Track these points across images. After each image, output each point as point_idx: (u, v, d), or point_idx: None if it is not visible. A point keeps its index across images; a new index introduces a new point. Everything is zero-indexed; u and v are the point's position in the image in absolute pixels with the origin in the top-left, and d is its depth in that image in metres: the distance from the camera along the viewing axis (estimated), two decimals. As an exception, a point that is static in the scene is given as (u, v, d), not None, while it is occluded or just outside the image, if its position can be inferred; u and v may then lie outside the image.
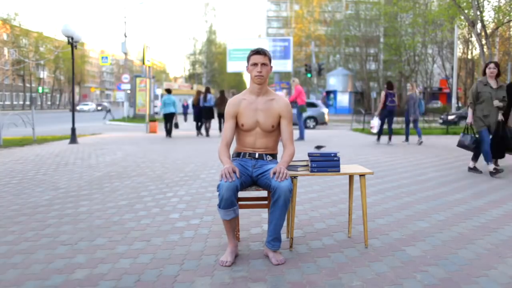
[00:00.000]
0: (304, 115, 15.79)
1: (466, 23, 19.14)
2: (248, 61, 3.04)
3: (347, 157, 8.30)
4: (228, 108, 3.08)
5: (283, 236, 3.25)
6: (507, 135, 6.24)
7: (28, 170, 6.79)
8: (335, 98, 42.85)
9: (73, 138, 11.56)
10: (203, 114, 14.13)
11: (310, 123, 20.16)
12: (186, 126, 20.42)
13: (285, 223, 3.21)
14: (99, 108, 58.24)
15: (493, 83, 6.22)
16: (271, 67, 3.06)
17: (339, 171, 3.06)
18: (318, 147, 3.57)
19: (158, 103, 29.33)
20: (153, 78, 29.98)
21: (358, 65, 43.99)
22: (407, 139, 11.58)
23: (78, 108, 52.44)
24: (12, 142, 11.26)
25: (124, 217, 3.96)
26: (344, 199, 4.65)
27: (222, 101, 14.00)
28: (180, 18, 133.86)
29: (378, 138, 11.42)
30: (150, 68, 21.96)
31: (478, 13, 17.88)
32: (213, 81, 62.79)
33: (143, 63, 20.23)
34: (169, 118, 13.75)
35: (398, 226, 3.65)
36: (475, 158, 6.56)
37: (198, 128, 14.36)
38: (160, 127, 18.17)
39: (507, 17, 19.45)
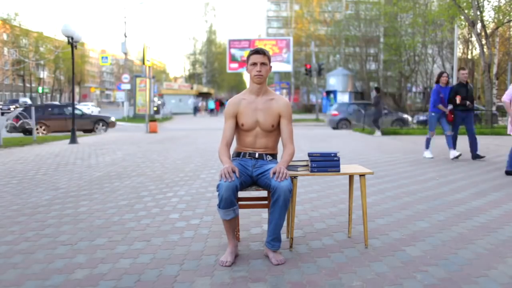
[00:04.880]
0: None
1: (466, 23, 19.13)
2: (247, 61, 3.04)
3: (347, 157, 8.29)
4: (228, 108, 3.08)
5: (283, 236, 3.24)
6: None
7: (28, 170, 6.79)
8: (335, 98, 42.84)
9: (73, 138, 11.56)
10: None
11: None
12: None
13: (285, 223, 3.21)
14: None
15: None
16: (271, 66, 3.06)
17: (339, 171, 3.06)
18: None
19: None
20: (153, 78, 29.96)
21: (358, 65, 43.92)
22: None
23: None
24: (12, 142, 11.26)
25: (124, 217, 3.96)
26: (344, 199, 4.64)
27: None
28: (180, 18, 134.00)
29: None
30: (150, 68, 21.97)
31: (478, 13, 17.87)
32: (213, 81, 62.76)
33: (143, 63, 20.23)
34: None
35: (398, 226, 3.65)
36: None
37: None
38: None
39: (507, 17, 19.45)
